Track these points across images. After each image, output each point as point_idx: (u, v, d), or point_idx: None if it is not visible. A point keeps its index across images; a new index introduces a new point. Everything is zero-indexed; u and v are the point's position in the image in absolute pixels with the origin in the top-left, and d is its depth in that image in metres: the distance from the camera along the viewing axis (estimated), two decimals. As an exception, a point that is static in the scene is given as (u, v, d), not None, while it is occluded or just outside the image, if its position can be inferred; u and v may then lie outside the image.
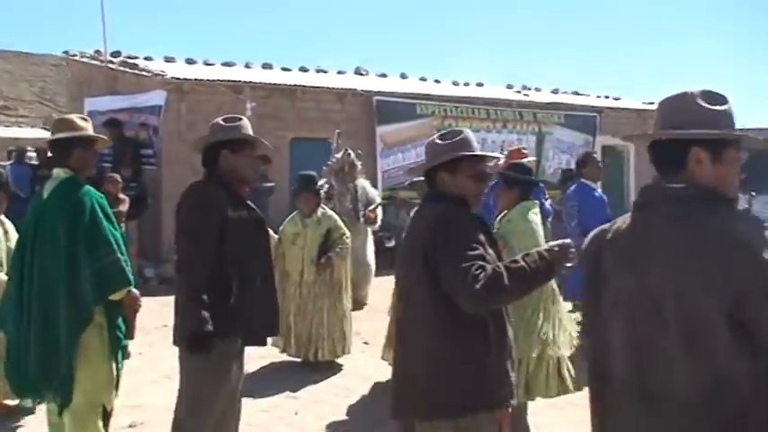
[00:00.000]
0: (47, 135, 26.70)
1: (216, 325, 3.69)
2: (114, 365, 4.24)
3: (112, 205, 10.93)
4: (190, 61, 16.17)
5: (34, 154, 14.62)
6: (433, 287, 2.91)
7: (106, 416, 4.32)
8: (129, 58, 14.79)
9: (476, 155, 3.21)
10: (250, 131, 4.11)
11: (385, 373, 6.95)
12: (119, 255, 4.18)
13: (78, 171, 4.31)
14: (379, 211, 10.25)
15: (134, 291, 4.28)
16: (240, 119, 4.14)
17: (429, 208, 3.15)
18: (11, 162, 14.45)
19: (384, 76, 18.74)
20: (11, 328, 4.35)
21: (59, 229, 4.12)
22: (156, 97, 12.67)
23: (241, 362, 4.07)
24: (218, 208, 3.84)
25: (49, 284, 4.14)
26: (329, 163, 10.62)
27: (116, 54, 15.15)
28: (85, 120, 4.45)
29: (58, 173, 4.31)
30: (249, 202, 4.08)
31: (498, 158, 3.81)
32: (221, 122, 4.09)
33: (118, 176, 11.01)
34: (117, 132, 12.81)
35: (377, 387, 6.69)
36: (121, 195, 10.88)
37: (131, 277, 4.25)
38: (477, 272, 2.78)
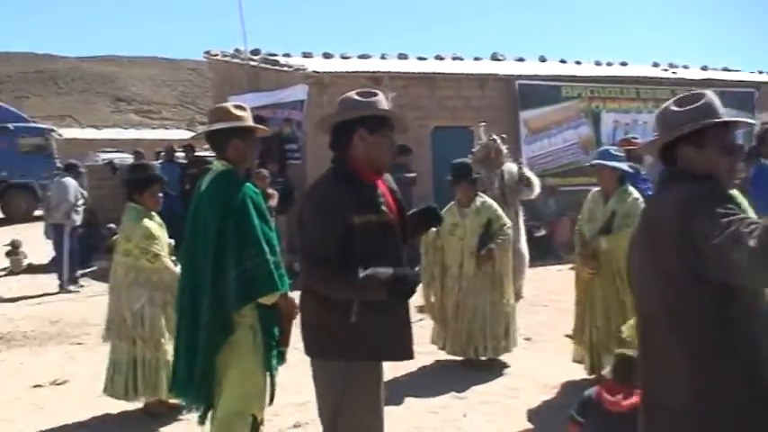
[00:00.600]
0: (189, 135, 27.69)
1: (334, 345, 3.34)
2: (268, 373, 3.97)
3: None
4: (327, 55, 16.17)
5: (183, 153, 14.98)
6: (691, 283, 2.39)
7: (256, 426, 4.04)
8: (269, 55, 14.90)
9: (725, 122, 2.62)
10: (386, 107, 3.52)
11: (552, 372, 6.54)
12: (267, 256, 3.82)
13: (237, 163, 4.04)
14: (533, 176, 9.77)
15: (290, 297, 3.95)
16: (376, 93, 3.53)
17: (673, 190, 2.56)
18: (160, 161, 14.86)
19: (522, 60, 18.14)
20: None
21: (210, 225, 3.89)
22: (299, 92, 12.67)
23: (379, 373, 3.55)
24: (341, 214, 3.30)
25: (198, 282, 3.94)
26: (473, 151, 10.24)
27: (255, 52, 15.33)
28: (242, 108, 4.15)
29: (216, 165, 4.11)
30: (381, 197, 3.48)
31: (753, 124, 3.24)
32: (356, 97, 3.44)
33: (266, 171, 11.05)
34: (261, 129, 12.91)
35: (545, 387, 6.26)
36: (270, 190, 10.90)
37: (281, 281, 3.89)
38: (747, 228, 2.21)
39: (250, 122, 4.14)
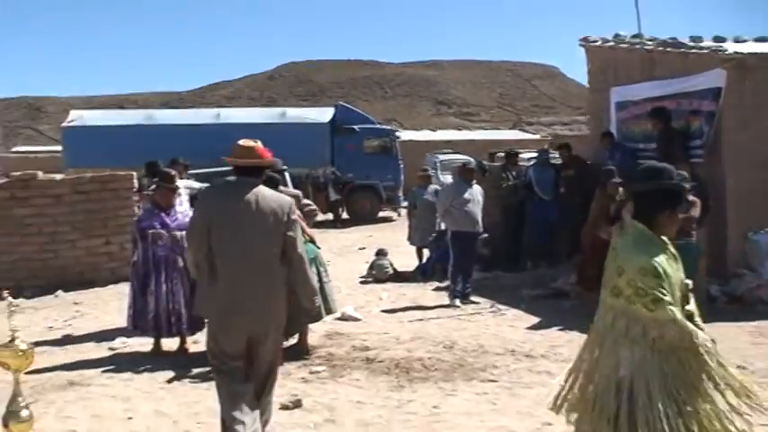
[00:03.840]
0: (521, 136, 27.08)
1: None
2: None
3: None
4: (717, 39, 13.75)
5: (556, 153, 13.46)
6: None
7: None
8: (669, 39, 12.86)
9: None
10: None
11: None
12: None
13: None
14: None
15: None
16: None
17: None
18: (532, 164, 13.50)
19: None
20: None
21: None
22: (713, 78, 10.48)
23: None
24: None
25: None
26: None
27: (637, 36, 13.37)
28: None
29: None
30: None
31: None
32: None
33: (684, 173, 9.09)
34: (663, 123, 10.94)
35: None
36: (691, 197, 8.92)
37: None
38: None
39: None
